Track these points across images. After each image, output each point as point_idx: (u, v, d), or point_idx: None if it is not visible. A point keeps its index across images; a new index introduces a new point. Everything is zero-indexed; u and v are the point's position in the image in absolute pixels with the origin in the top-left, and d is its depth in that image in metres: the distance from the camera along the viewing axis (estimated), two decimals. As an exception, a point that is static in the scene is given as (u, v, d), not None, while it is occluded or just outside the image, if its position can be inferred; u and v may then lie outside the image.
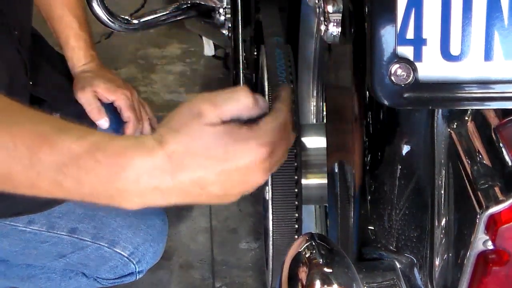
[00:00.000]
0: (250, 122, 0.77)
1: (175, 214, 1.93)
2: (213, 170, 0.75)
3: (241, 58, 1.35)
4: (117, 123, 1.48)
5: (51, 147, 0.73)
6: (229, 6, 1.41)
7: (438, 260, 0.87)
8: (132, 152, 0.74)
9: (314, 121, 1.55)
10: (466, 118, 0.84)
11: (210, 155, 0.74)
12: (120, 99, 1.45)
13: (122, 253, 1.47)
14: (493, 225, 0.74)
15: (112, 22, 1.33)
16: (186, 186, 0.75)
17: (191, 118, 0.76)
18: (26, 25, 1.40)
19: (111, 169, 0.73)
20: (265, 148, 0.75)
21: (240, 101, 0.78)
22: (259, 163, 0.75)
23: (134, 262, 1.48)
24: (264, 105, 0.80)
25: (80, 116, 1.50)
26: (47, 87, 1.42)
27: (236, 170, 0.75)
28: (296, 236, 1.18)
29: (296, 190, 1.16)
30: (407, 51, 0.75)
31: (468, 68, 0.75)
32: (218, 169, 0.74)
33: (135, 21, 1.39)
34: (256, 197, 1.85)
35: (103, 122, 1.43)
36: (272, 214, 1.17)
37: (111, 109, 1.46)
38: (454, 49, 0.75)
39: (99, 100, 1.44)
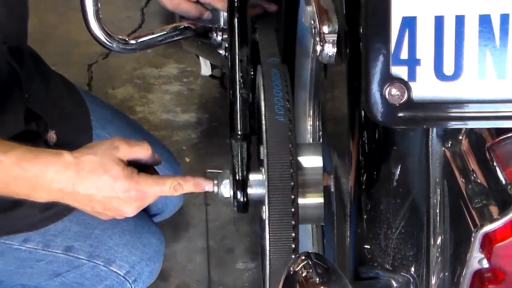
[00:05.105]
0: (145, 169, 1.11)
1: (172, 233, 1.93)
2: (102, 193, 1.07)
3: (237, 77, 1.35)
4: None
5: None
6: (226, 27, 1.42)
7: (434, 278, 0.87)
8: (52, 165, 1.06)
9: (311, 140, 1.56)
10: (460, 137, 0.85)
11: (104, 182, 1.06)
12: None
13: (118, 272, 1.46)
14: (488, 243, 0.74)
15: (110, 43, 1.34)
16: (79, 196, 1.07)
17: (109, 148, 1.08)
18: (19, 39, 1.40)
19: (34, 175, 1.05)
20: (140, 196, 1.09)
21: (144, 149, 1.11)
22: (133, 202, 1.09)
23: (130, 281, 1.48)
24: (158, 158, 1.13)
25: (76, 133, 1.49)
26: (43, 103, 1.42)
27: (116, 199, 1.07)
28: (293, 256, 1.18)
29: (293, 209, 1.16)
30: (401, 71, 0.76)
31: (462, 88, 0.76)
32: (105, 194, 1.07)
33: (133, 42, 1.39)
34: (252, 216, 1.85)
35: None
36: (269, 233, 1.17)
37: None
38: (448, 69, 0.76)
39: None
